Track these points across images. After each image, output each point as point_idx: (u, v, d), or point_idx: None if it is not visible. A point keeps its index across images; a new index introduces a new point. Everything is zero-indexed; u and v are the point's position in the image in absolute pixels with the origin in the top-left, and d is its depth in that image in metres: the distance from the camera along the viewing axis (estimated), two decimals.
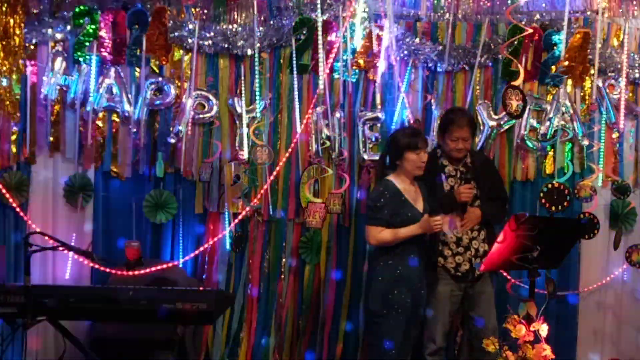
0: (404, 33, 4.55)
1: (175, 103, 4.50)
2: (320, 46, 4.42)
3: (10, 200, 4.37)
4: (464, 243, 3.91)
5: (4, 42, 4.25)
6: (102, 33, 4.40)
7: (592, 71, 4.59)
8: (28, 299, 3.30)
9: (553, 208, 4.52)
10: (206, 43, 4.45)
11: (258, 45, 4.42)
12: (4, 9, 4.23)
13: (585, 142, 4.65)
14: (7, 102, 4.33)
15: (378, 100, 4.56)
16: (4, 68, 4.26)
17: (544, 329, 3.17)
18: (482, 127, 4.56)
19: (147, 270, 4.25)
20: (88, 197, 4.50)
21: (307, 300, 4.64)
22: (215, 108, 4.48)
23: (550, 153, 4.70)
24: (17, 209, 4.39)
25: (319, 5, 4.40)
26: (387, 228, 3.65)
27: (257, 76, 4.45)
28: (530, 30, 4.45)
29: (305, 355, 4.59)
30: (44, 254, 3.91)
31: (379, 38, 4.50)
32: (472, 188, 3.86)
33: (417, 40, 4.56)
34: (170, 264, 4.41)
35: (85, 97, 4.43)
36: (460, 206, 3.86)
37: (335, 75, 4.53)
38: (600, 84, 4.67)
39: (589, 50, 4.56)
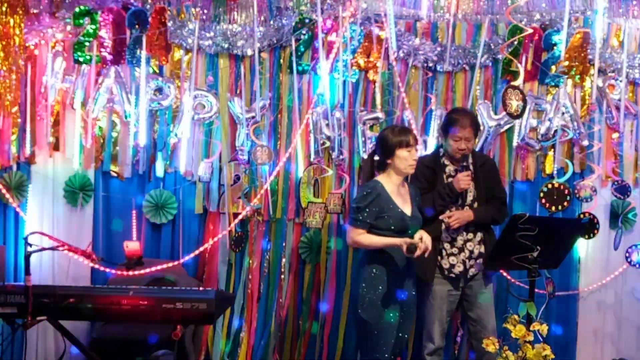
0: (403, 33, 4.55)
1: (175, 103, 4.50)
2: (320, 46, 4.43)
3: (10, 200, 4.37)
4: (457, 244, 3.90)
5: (4, 42, 4.25)
6: (102, 33, 4.40)
7: (592, 71, 4.59)
8: (28, 299, 3.30)
9: (553, 208, 4.53)
10: (206, 43, 4.45)
11: (258, 45, 4.42)
12: (4, 9, 4.23)
13: (585, 142, 4.65)
14: (7, 102, 4.33)
15: (378, 100, 4.56)
16: (4, 68, 4.26)
17: (544, 329, 3.16)
18: (482, 127, 4.56)
19: (147, 270, 4.24)
20: (88, 197, 4.50)
21: (307, 300, 4.64)
22: (215, 108, 4.48)
23: (550, 153, 4.70)
24: (17, 209, 4.40)
25: (319, 5, 4.40)
26: (368, 231, 3.58)
27: (257, 76, 4.45)
28: (530, 30, 4.45)
29: None
30: (44, 254, 3.91)
31: (379, 38, 4.50)
32: (469, 175, 3.85)
33: (417, 40, 4.57)
34: (170, 264, 4.41)
35: (85, 97, 4.44)
36: (460, 195, 3.86)
37: (335, 75, 4.53)
38: (600, 84, 4.67)
39: (589, 50, 4.56)
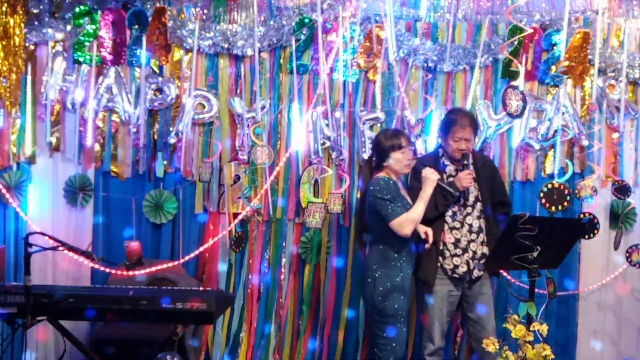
0: (403, 33, 4.55)
1: (175, 103, 4.50)
2: (320, 46, 4.43)
3: (10, 200, 4.37)
4: (461, 245, 3.90)
5: (4, 42, 4.25)
6: (102, 33, 4.40)
7: (592, 71, 4.60)
8: (28, 299, 3.30)
9: (553, 208, 4.53)
10: (206, 43, 4.45)
11: (258, 45, 4.42)
12: (4, 9, 4.24)
13: (585, 142, 4.65)
14: (7, 102, 4.34)
15: (378, 100, 4.56)
16: (4, 68, 4.26)
17: (544, 329, 3.16)
18: (482, 127, 4.56)
19: (147, 270, 4.25)
20: (88, 197, 4.50)
21: (307, 300, 4.64)
22: (215, 108, 4.48)
23: (550, 153, 4.70)
24: (17, 209, 4.40)
25: (319, 5, 4.41)
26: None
27: (257, 76, 4.45)
28: (530, 30, 4.45)
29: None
30: (44, 254, 3.91)
31: (379, 38, 4.50)
32: (470, 173, 3.86)
33: (417, 40, 4.56)
34: (170, 264, 4.41)
35: (85, 97, 4.44)
36: (462, 193, 3.87)
37: (335, 75, 4.53)
38: (600, 84, 4.67)
39: (589, 50, 4.56)
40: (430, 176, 3.72)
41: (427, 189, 3.71)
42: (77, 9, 4.39)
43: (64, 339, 3.62)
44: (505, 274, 4.57)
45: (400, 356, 3.73)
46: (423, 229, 3.73)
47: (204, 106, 4.49)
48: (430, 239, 3.72)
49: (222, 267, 4.59)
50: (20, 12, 4.31)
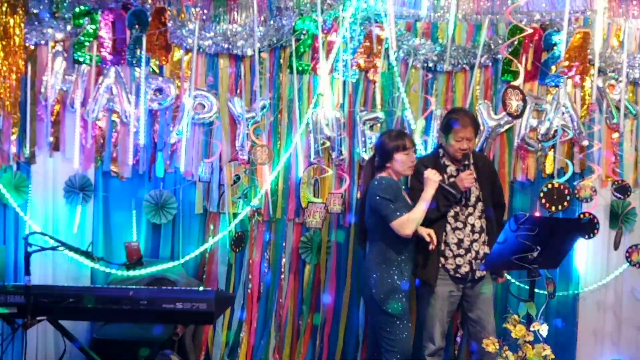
0: (403, 33, 4.55)
1: (175, 103, 4.50)
2: (320, 46, 4.43)
3: (10, 200, 4.37)
4: (464, 245, 3.90)
5: (4, 42, 4.26)
6: (102, 33, 4.40)
7: (592, 71, 4.60)
8: (28, 299, 3.30)
9: (553, 208, 4.53)
10: (206, 43, 4.45)
11: (258, 45, 4.42)
12: (4, 9, 4.24)
13: (585, 142, 4.65)
14: (7, 102, 4.34)
15: (378, 100, 4.56)
16: (4, 68, 4.26)
17: (544, 329, 3.16)
18: (482, 127, 4.56)
19: (147, 270, 4.25)
20: (88, 197, 4.50)
21: (307, 300, 4.64)
22: (215, 108, 4.48)
23: (550, 153, 4.70)
24: (17, 209, 4.40)
25: (319, 5, 4.41)
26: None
27: (257, 76, 4.45)
28: (530, 30, 4.46)
29: None
30: (44, 254, 3.91)
31: (379, 38, 4.50)
32: (472, 173, 3.86)
33: (417, 40, 4.56)
34: (170, 264, 4.41)
35: (85, 97, 4.44)
36: (463, 194, 3.87)
37: (335, 75, 4.53)
38: (600, 84, 4.67)
39: (589, 50, 4.56)
40: (432, 177, 3.71)
41: (429, 190, 3.70)
42: (77, 9, 4.38)
43: (64, 339, 3.62)
44: (505, 274, 4.57)
45: (407, 356, 3.72)
46: (426, 232, 3.70)
47: (203, 106, 4.49)
48: (435, 242, 3.71)
49: (222, 267, 4.59)
50: (20, 12, 4.31)
